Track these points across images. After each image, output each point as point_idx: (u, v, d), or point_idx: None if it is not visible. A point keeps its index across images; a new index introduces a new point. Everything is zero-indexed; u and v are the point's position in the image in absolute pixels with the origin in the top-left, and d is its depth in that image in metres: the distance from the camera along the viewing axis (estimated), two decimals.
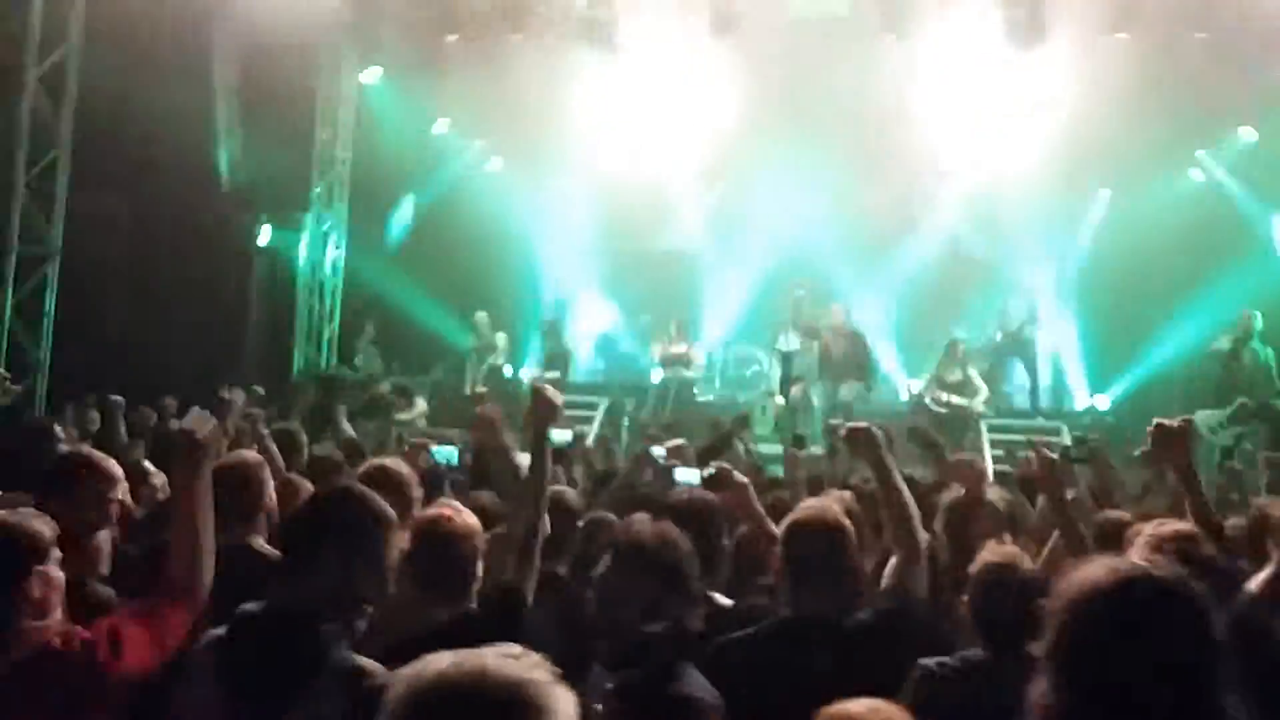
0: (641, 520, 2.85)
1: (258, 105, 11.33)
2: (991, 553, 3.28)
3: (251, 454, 4.24)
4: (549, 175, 14.29)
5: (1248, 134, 12.60)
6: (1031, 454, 4.14)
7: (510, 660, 1.48)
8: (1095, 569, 1.84)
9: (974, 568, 3.25)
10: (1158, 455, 3.54)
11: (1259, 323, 10.52)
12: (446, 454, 5.80)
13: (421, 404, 10.81)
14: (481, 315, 12.72)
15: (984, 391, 11.52)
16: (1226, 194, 12.96)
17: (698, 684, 2.62)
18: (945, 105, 12.83)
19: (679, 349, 11.94)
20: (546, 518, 3.41)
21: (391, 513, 2.72)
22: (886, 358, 13.70)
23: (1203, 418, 10.18)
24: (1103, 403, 13.20)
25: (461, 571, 3.17)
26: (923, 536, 3.50)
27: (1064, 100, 12.29)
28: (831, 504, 3.51)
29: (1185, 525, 3.21)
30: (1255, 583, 3.01)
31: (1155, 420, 3.50)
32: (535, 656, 1.51)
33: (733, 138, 13.40)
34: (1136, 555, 2.96)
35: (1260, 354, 10.35)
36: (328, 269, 11.77)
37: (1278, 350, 10.63)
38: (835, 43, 12.47)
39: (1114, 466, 6.50)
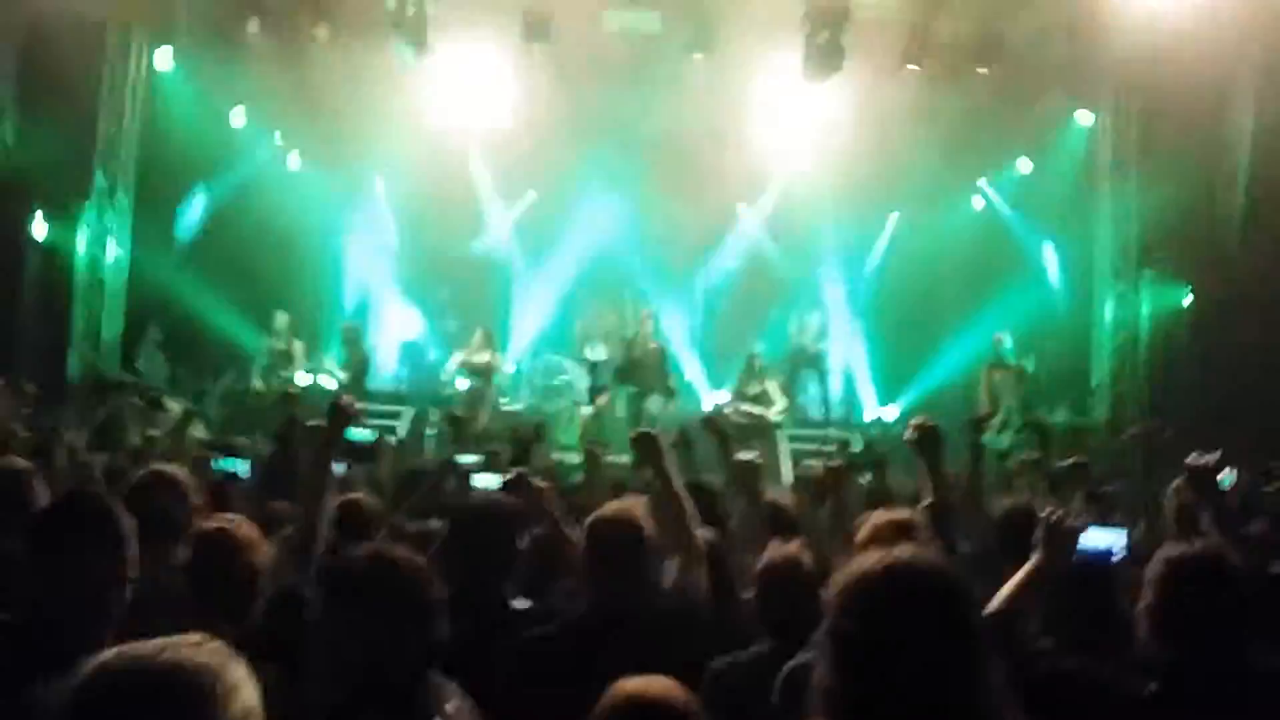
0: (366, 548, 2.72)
1: (37, 87, 10.52)
2: (773, 551, 3.47)
3: (20, 460, 3.97)
4: (352, 174, 13.92)
5: (1024, 165, 13.47)
6: (816, 462, 4.49)
7: (184, 646, 1.43)
8: (867, 559, 1.97)
9: (757, 566, 3.45)
10: (920, 449, 3.95)
11: (1006, 344, 11.64)
12: (234, 464, 5.52)
13: (175, 407, 10.15)
14: (281, 317, 12.16)
15: (781, 402, 11.90)
16: (1004, 220, 13.81)
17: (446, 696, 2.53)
18: (750, 125, 13.22)
19: (484, 357, 11.80)
20: (324, 523, 3.41)
21: (127, 521, 2.58)
22: (690, 370, 13.98)
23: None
24: (891, 413, 13.85)
25: (240, 584, 3.04)
26: (701, 537, 3.57)
27: (859, 125, 12.84)
28: (633, 505, 3.54)
29: (903, 514, 3.47)
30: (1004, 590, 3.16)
31: (914, 420, 3.98)
32: (215, 643, 1.46)
33: (544, 146, 13.40)
34: (860, 543, 3.23)
35: (1014, 367, 11.50)
36: (108, 266, 11.00)
37: (1040, 364, 11.56)
38: (647, 58, 12.64)
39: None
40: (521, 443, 6.74)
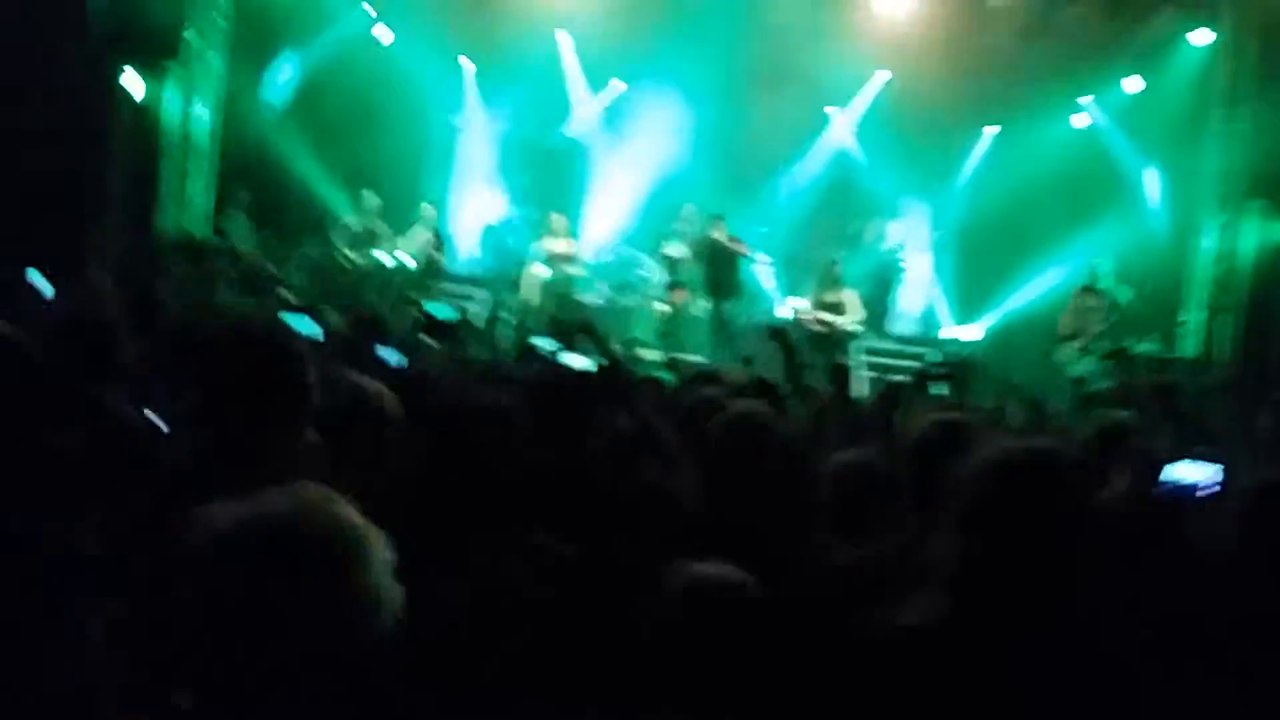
0: None
1: None
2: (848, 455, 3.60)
3: None
4: (441, 54, 13.77)
5: (1133, 84, 12.87)
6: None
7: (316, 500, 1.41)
8: (990, 449, 2.21)
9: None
10: None
11: (1105, 269, 11.11)
12: (304, 323, 5.40)
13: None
14: (370, 197, 12.22)
15: (858, 313, 11.73)
16: (1106, 141, 13.28)
17: None
18: (847, 25, 12.82)
19: (564, 246, 11.74)
20: None
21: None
22: (768, 275, 13.82)
23: (1059, 353, 10.91)
24: (972, 333, 13.62)
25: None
26: None
27: (962, 33, 12.38)
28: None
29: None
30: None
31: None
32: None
33: (634, 35, 13.15)
34: None
35: (1111, 295, 10.91)
36: (199, 124, 11.04)
37: (1136, 292, 11.14)
38: None
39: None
40: (565, 336, 6.70)
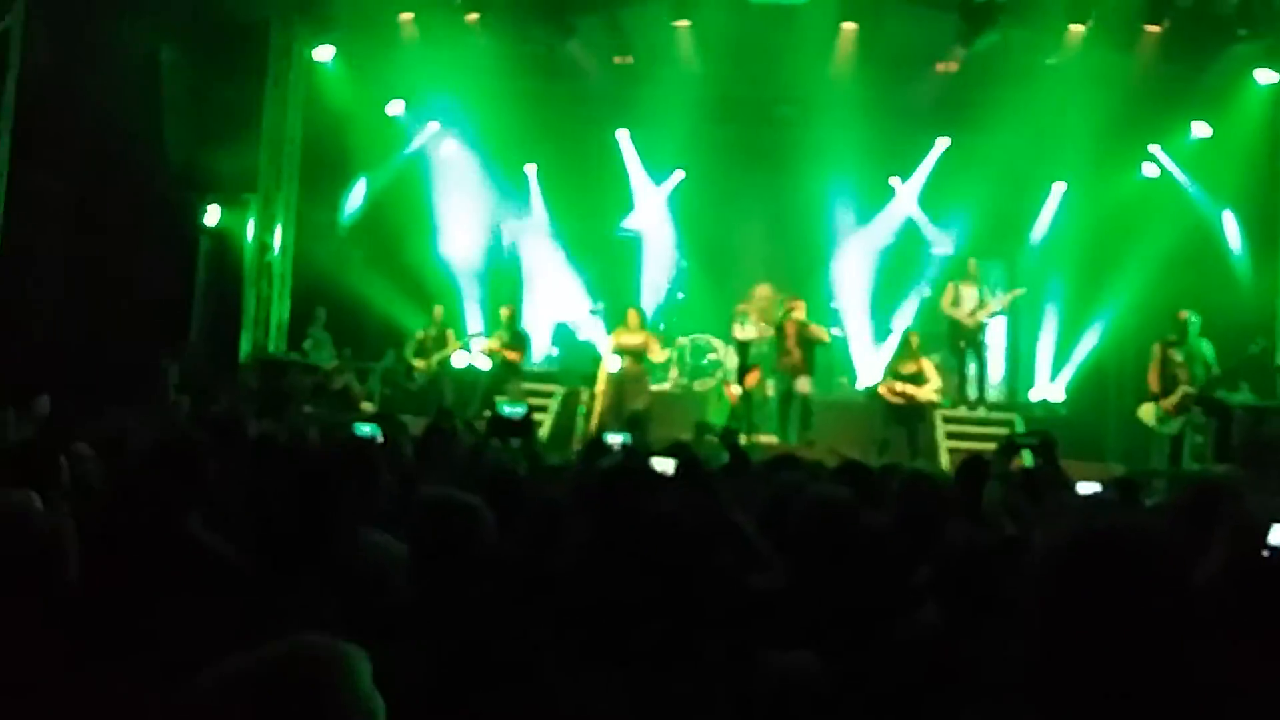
0: None
1: (206, 83, 11.06)
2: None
3: None
4: (506, 159, 14.17)
5: (1200, 129, 12.66)
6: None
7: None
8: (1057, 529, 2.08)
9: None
10: None
11: (1194, 321, 10.64)
12: (369, 429, 5.54)
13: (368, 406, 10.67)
14: (438, 308, 12.57)
15: (936, 381, 11.55)
16: (1179, 188, 13.04)
17: None
18: (902, 94, 12.88)
19: (637, 338, 11.81)
20: None
21: None
22: (841, 348, 13.74)
23: (1147, 410, 10.51)
24: (1056, 393, 13.31)
25: None
26: None
27: (1020, 89, 12.34)
28: None
29: None
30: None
31: None
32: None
33: (692, 124, 13.38)
34: None
35: (1197, 349, 10.47)
36: (276, 251, 11.52)
37: (1217, 344, 10.75)
38: (793, 30, 12.42)
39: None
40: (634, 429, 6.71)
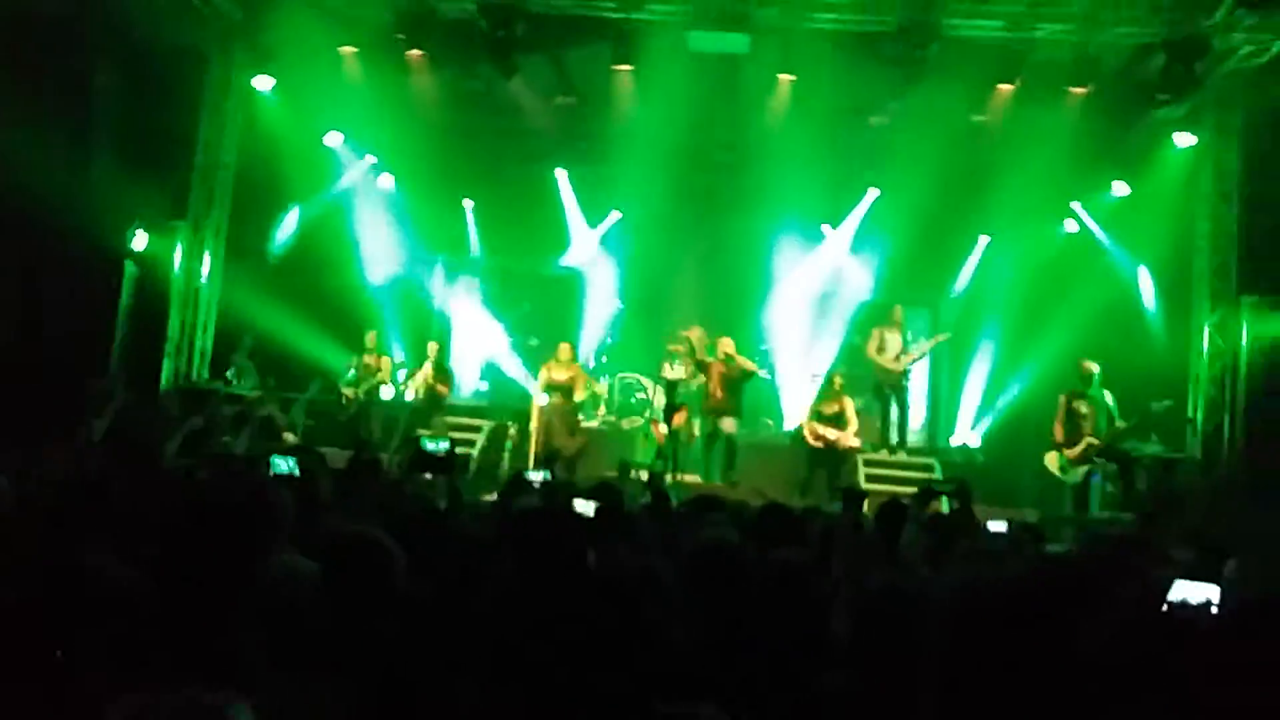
0: None
1: (140, 108, 10.92)
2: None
3: None
4: (442, 194, 14.16)
5: (1120, 188, 13.09)
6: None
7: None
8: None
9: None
10: None
11: (1097, 372, 10.87)
12: (285, 464, 5.47)
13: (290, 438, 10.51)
14: (371, 334, 12.47)
15: (854, 423, 11.72)
16: (1097, 244, 13.44)
17: None
18: (836, 144, 13.13)
19: (565, 373, 11.83)
20: None
21: None
22: (769, 391, 13.90)
23: (1051, 459, 10.80)
24: (974, 440, 13.59)
25: None
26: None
27: (949, 144, 12.66)
28: None
29: None
30: None
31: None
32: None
33: (629, 166, 13.51)
34: None
35: (1100, 400, 10.77)
36: (203, 278, 11.35)
37: (1130, 397, 11.04)
38: (733, 79, 12.64)
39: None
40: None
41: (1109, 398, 10.67)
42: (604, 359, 14.11)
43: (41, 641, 2.71)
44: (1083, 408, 10.70)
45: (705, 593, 3.55)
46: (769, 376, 13.76)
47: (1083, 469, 10.65)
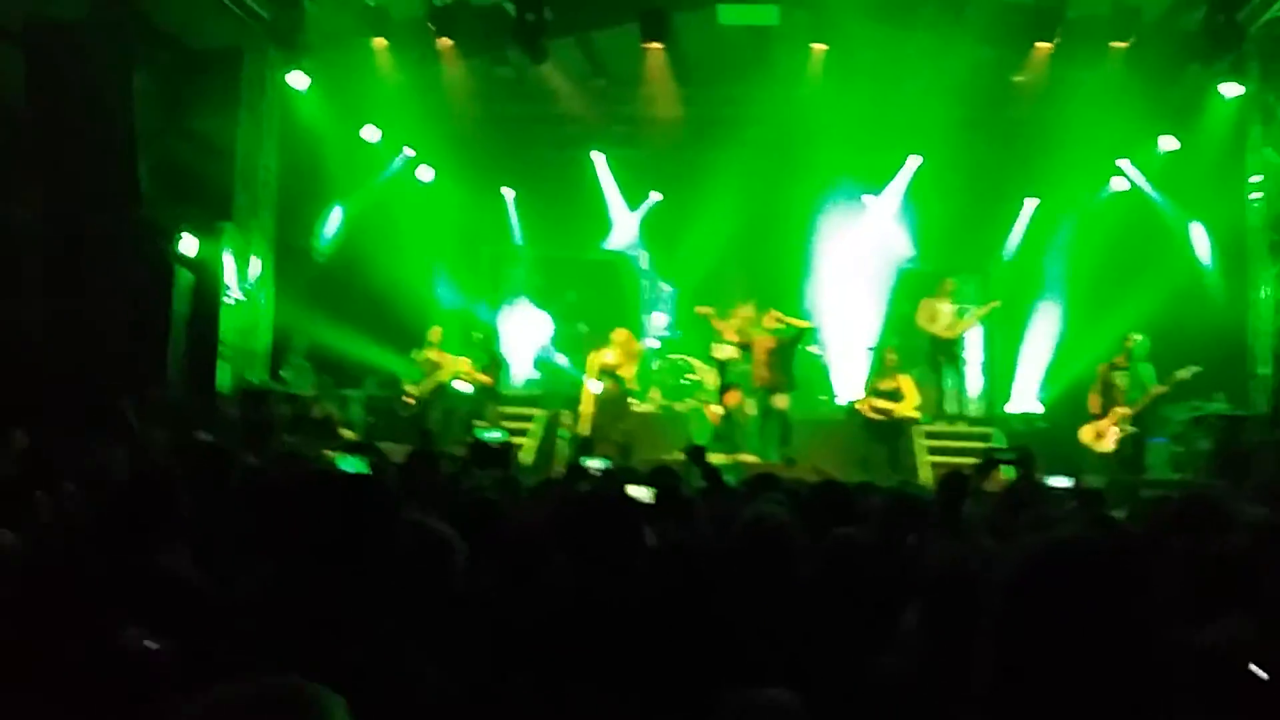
0: None
1: (179, 112, 11.04)
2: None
3: None
4: (480, 183, 14.19)
5: (1167, 142, 12.81)
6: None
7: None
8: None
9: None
10: None
11: (1140, 344, 10.96)
12: (354, 464, 5.56)
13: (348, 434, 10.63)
14: (435, 330, 12.52)
15: (915, 397, 11.62)
16: (1148, 201, 13.19)
17: None
18: (873, 113, 12.97)
19: (616, 358, 11.82)
20: None
21: None
22: (821, 366, 13.81)
23: (1086, 431, 10.96)
24: (1034, 406, 13.41)
25: None
26: None
27: (990, 107, 12.48)
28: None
29: None
30: None
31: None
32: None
33: (666, 145, 13.47)
34: None
35: (1139, 373, 10.82)
36: (252, 279, 11.48)
37: (1190, 356, 10.92)
38: (764, 51, 12.52)
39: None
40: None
41: (1147, 370, 10.66)
42: (654, 341, 14.08)
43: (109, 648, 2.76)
44: (1119, 379, 10.75)
45: (757, 572, 3.54)
46: (817, 343, 13.62)
47: (1113, 439, 10.72)
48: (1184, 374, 10.72)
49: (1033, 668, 1.81)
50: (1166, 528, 3.76)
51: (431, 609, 3.02)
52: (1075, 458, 11.10)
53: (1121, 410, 10.70)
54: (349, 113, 12.76)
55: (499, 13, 11.50)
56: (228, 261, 10.87)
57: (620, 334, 11.77)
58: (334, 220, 13.36)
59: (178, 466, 4.78)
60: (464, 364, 12.07)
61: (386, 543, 3.33)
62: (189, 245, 10.56)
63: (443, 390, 12.07)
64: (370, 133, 13.15)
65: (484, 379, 12.02)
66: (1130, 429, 10.75)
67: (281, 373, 11.70)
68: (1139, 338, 10.93)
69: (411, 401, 11.99)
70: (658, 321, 14.29)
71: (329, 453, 6.35)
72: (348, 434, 10.42)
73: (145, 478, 4.07)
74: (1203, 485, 8.69)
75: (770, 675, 2.72)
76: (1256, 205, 11.62)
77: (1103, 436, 10.75)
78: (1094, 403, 10.89)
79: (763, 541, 3.39)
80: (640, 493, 4.86)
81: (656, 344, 13.93)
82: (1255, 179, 11.67)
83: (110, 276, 9.97)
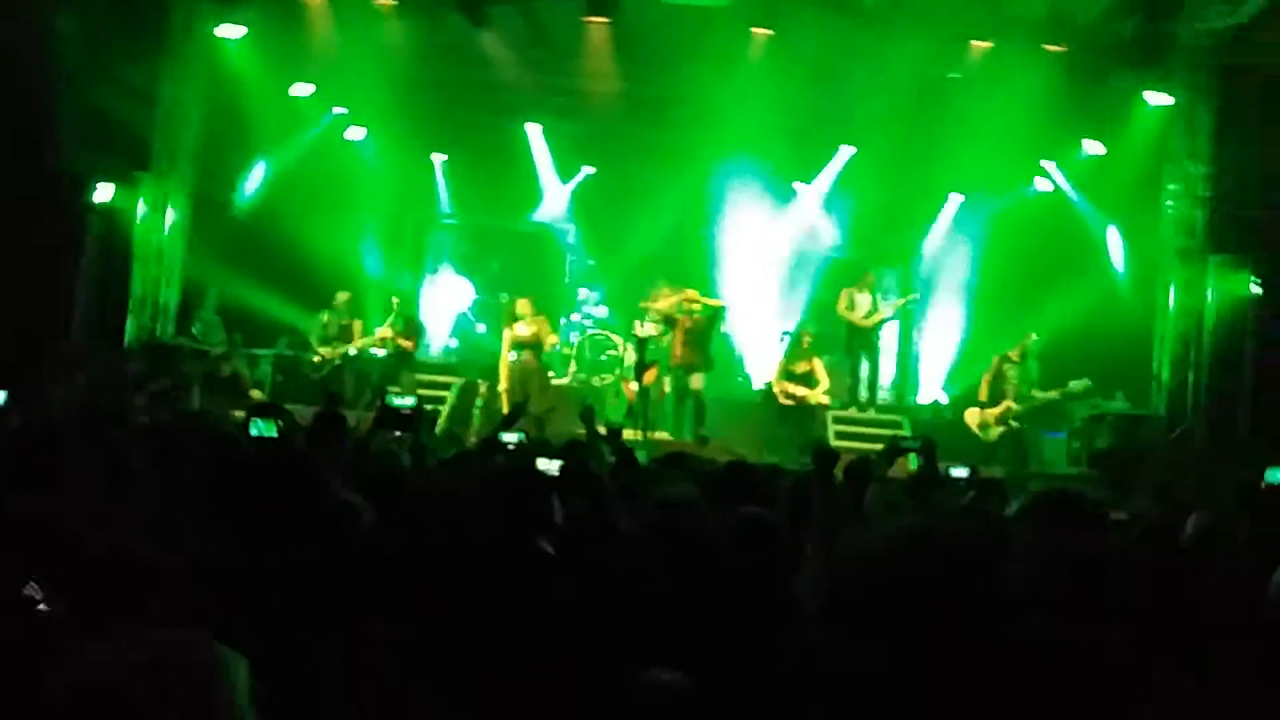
0: None
1: (103, 57, 10.69)
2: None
3: None
4: (411, 147, 13.99)
5: (1092, 146, 13.09)
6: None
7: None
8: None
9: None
10: None
11: (1035, 345, 11.64)
12: (266, 428, 5.46)
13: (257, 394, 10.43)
14: (342, 295, 12.33)
15: (826, 382, 11.80)
16: (1068, 204, 13.48)
17: None
18: (808, 101, 13.04)
19: (534, 330, 11.79)
20: None
21: None
22: (737, 346, 13.92)
23: (971, 415, 11.73)
24: (943, 396, 13.70)
25: None
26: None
27: (922, 100, 12.63)
28: None
29: None
30: None
31: None
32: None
33: (602, 121, 13.41)
34: None
35: (1029, 370, 11.60)
36: (167, 231, 11.20)
37: (1102, 356, 11.38)
38: (708, 34, 12.50)
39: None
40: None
41: (1034, 369, 11.44)
42: (574, 316, 14.05)
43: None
44: (1010, 373, 11.36)
45: (664, 550, 3.57)
46: (728, 323, 13.71)
47: (998, 430, 11.33)
48: (1076, 386, 11.23)
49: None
50: (1035, 521, 3.89)
51: (336, 576, 3.00)
52: (980, 449, 11.39)
53: (1009, 404, 11.16)
54: (281, 67, 12.48)
55: None
56: (141, 211, 10.57)
57: (522, 304, 11.69)
58: (257, 175, 13.08)
59: (73, 421, 4.67)
60: (384, 332, 11.94)
61: (293, 510, 3.30)
62: (103, 194, 10.26)
63: (355, 354, 11.93)
64: (301, 89, 12.86)
65: (401, 343, 11.90)
66: (1014, 424, 11.25)
67: (192, 328, 11.45)
68: (1034, 337, 11.52)
69: (318, 362, 11.83)
70: (582, 296, 14.23)
71: (239, 414, 6.23)
72: (256, 394, 10.24)
73: (35, 430, 3.98)
74: (1085, 481, 9.02)
75: (669, 652, 2.76)
76: (1172, 213, 11.98)
77: (986, 425, 11.18)
78: (983, 390, 11.51)
79: (673, 520, 3.42)
80: (548, 465, 4.86)
81: (579, 318, 13.88)
82: (1172, 187, 12.03)
83: (21, 222, 9.66)
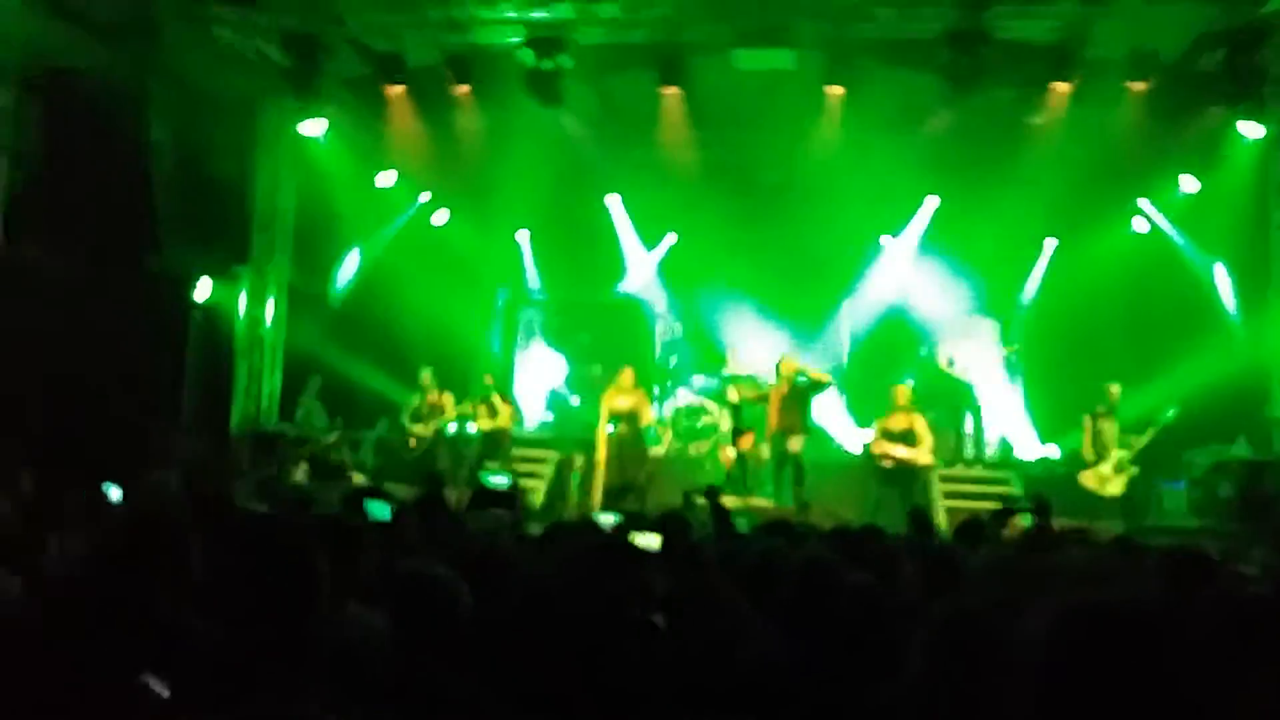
0: None
1: (197, 160, 11.14)
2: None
3: None
4: (497, 227, 14.23)
5: (1188, 183, 12.71)
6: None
7: None
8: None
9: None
10: None
11: (1117, 393, 11.33)
12: (380, 509, 5.52)
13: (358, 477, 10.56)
14: (425, 372, 12.50)
15: (928, 439, 11.47)
16: (1169, 243, 13.07)
17: None
18: (891, 155, 12.93)
19: (629, 400, 11.76)
20: None
21: None
22: (834, 409, 13.69)
23: (1087, 478, 11.31)
24: (1053, 451, 13.23)
25: None
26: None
27: (1007, 147, 12.43)
28: None
29: None
30: None
31: None
32: None
33: (682, 189, 13.47)
34: None
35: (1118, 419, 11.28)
36: (268, 323, 11.52)
37: (1212, 398, 10.88)
38: (781, 95, 12.52)
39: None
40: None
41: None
42: (668, 384, 14.01)
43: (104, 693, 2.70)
44: (1106, 426, 11.13)
45: (768, 614, 3.48)
46: (837, 393, 13.53)
47: (1120, 481, 10.99)
48: (1168, 415, 10.96)
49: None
50: (1168, 580, 3.67)
51: (436, 656, 2.97)
52: (1095, 503, 10.95)
53: (1117, 455, 10.92)
54: (365, 158, 12.84)
55: (515, 59, 11.54)
56: (242, 304, 10.89)
57: (625, 375, 11.67)
58: (351, 263, 13.41)
59: (184, 511, 4.74)
60: (480, 409, 12.02)
61: (393, 589, 3.29)
62: (203, 290, 10.60)
63: (446, 433, 12.02)
64: (386, 177, 13.21)
65: (494, 423, 11.97)
66: (1133, 469, 10.94)
67: (295, 414, 11.70)
68: (1117, 389, 11.30)
69: (419, 441, 11.94)
70: (673, 364, 14.21)
71: (366, 500, 6.28)
72: (358, 477, 10.37)
73: (149, 523, 4.03)
74: (1217, 533, 8.58)
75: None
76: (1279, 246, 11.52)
77: (1107, 480, 10.75)
78: (1087, 450, 11.25)
79: (808, 583, 3.33)
80: (646, 540, 4.77)
81: (657, 389, 13.83)
82: (1278, 220, 11.58)
83: (128, 322, 10.01)
